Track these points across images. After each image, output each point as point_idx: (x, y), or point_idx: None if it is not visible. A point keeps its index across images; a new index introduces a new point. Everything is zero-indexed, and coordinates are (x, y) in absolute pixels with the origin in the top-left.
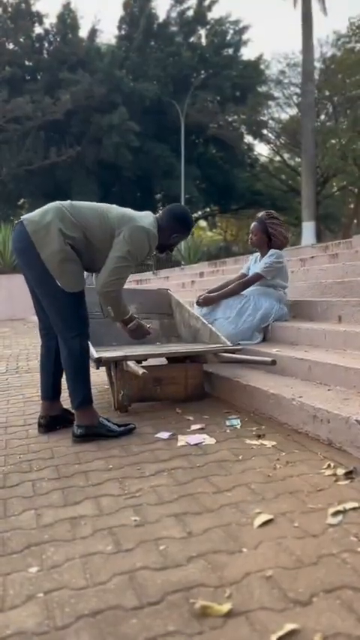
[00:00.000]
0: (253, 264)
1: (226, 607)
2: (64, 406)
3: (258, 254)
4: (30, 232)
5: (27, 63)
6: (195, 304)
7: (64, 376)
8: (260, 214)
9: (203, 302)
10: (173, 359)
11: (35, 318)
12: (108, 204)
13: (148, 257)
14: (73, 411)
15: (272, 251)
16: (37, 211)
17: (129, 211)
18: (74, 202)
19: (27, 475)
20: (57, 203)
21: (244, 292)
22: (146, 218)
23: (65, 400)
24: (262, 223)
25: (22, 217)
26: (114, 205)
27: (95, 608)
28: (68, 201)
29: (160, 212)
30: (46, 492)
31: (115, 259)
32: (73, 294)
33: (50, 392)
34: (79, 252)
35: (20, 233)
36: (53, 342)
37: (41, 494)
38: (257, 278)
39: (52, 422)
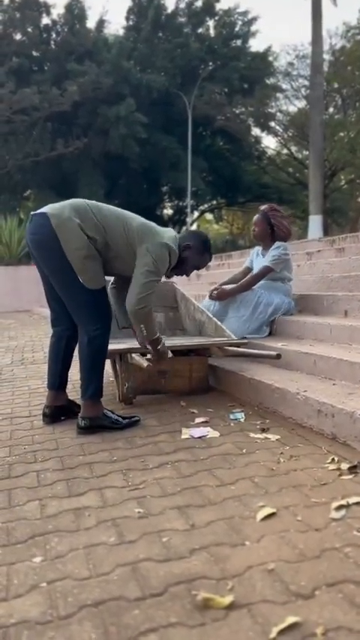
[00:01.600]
0: (256, 257)
1: (228, 599)
2: (70, 397)
3: (259, 247)
4: (54, 225)
5: (34, 53)
6: (208, 297)
7: (71, 368)
8: (263, 207)
9: (217, 296)
10: (178, 352)
11: (41, 310)
12: (130, 213)
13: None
14: (80, 401)
15: (278, 243)
16: (60, 205)
17: (151, 225)
18: (100, 204)
19: (31, 466)
20: (82, 201)
21: (254, 287)
22: (167, 233)
23: (70, 391)
24: (264, 215)
25: (43, 209)
26: (136, 215)
27: (98, 599)
28: (94, 202)
29: (183, 232)
30: (51, 483)
31: (144, 274)
32: (95, 290)
33: (57, 382)
34: (100, 253)
35: (42, 226)
36: (64, 332)
37: (45, 485)
38: (268, 271)
39: (57, 412)
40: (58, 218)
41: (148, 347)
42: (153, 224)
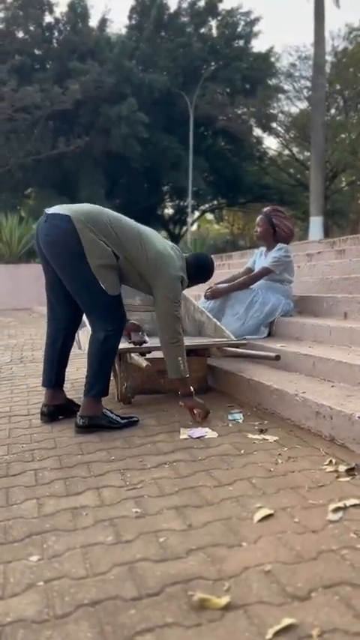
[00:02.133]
0: (259, 258)
1: (224, 600)
2: (69, 397)
3: (263, 248)
4: (78, 229)
5: (36, 52)
6: (203, 297)
7: (67, 367)
8: (266, 208)
9: (211, 295)
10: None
11: (41, 309)
12: (147, 232)
13: None
14: (81, 398)
15: (280, 245)
16: (82, 210)
17: (164, 254)
18: (120, 217)
19: (29, 464)
20: (101, 212)
21: (252, 286)
22: (179, 262)
23: (68, 390)
24: (267, 216)
25: (62, 211)
26: (153, 236)
27: (95, 598)
28: (114, 215)
29: (189, 255)
30: (49, 482)
31: (169, 307)
32: (112, 295)
33: (53, 380)
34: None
35: (62, 228)
36: (61, 331)
37: (43, 483)
38: (266, 272)
39: (55, 411)
40: (84, 224)
41: (180, 386)
42: (166, 251)
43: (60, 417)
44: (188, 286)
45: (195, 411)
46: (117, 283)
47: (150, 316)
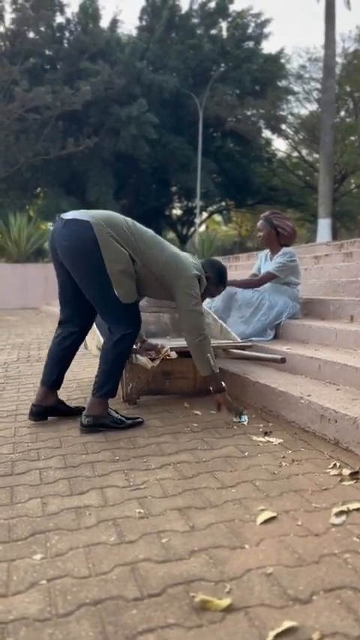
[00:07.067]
0: (263, 262)
1: (225, 602)
2: (77, 396)
3: (267, 251)
4: (97, 234)
5: (47, 52)
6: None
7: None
8: (264, 214)
9: None
10: (183, 353)
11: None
12: (160, 240)
13: None
14: (87, 398)
15: (285, 249)
16: (100, 215)
17: (179, 255)
18: (137, 224)
19: (34, 463)
20: (118, 217)
21: (259, 289)
22: (193, 265)
23: (75, 390)
24: (266, 219)
25: (81, 216)
26: (164, 243)
27: (97, 598)
28: (131, 220)
29: (202, 260)
30: (53, 481)
31: (190, 303)
32: (126, 303)
33: (53, 380)
34: (136, 273)
35: (81, 234)
36: (71, 334)
37: (48, 482)
38: (270, 277)
39: (45, 412)
40: (104, 230)
41: (212, 382)
42: (180, 253)
43: (48, 418)
44: (208, 292)
45: (224, 407)
46: (133, 291)
47: (156, 317)
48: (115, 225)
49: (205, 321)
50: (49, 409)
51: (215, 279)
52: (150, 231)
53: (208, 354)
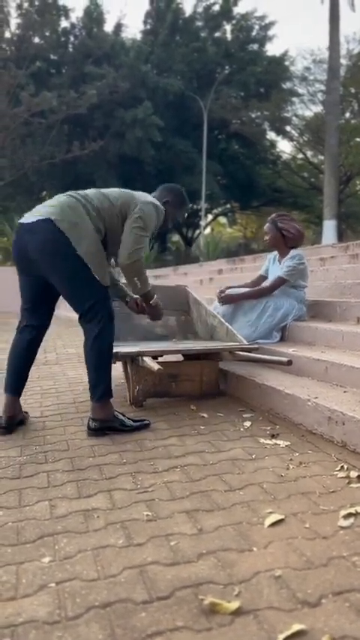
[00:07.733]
0: (272, 265)
1: (234, 605)
2: (81, 399)
3: (275, 253)
4: (64, 230)
5: (52, 57)
6: (216, 301)
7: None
8: (271, 216)
9: (223, 300)
10: (189, 356)
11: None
12: (105, 189)
13: (155, 232)
14: (91, 402)
15: (294, 252)
16: (59, 207)
17: (127, 190)
18: (81, 192)
19: (42, 466)
20: (72, 199)
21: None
22: (149, 195)
23: (81, 392)
24: (272, 222)
25: (41, 216)
26: (111, 189)
27: (105, 600)
28: (78, 193)
29: (155, 192)
30: (61, 484)
31: (135, 229)
32: (106, 288)
33: (21, 386)
34: (104, 244)
35: (47, 232)
36: (31, 334)
37: (56, 485)
38: (281, 282)
39: (15, 423)
40: (68, 222)
41: (143, 304)
42: (129, 190)
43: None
44: (171, 216)
45: (145, 308)
46: (106, 272)
47: (162, 320)
48: (70, 206)
49: (141, 253)
50: (18, 420)
51: (174, 201)
52: (97, 190)
53: (135, 278)
